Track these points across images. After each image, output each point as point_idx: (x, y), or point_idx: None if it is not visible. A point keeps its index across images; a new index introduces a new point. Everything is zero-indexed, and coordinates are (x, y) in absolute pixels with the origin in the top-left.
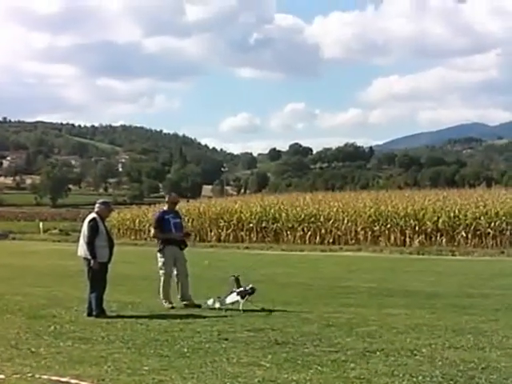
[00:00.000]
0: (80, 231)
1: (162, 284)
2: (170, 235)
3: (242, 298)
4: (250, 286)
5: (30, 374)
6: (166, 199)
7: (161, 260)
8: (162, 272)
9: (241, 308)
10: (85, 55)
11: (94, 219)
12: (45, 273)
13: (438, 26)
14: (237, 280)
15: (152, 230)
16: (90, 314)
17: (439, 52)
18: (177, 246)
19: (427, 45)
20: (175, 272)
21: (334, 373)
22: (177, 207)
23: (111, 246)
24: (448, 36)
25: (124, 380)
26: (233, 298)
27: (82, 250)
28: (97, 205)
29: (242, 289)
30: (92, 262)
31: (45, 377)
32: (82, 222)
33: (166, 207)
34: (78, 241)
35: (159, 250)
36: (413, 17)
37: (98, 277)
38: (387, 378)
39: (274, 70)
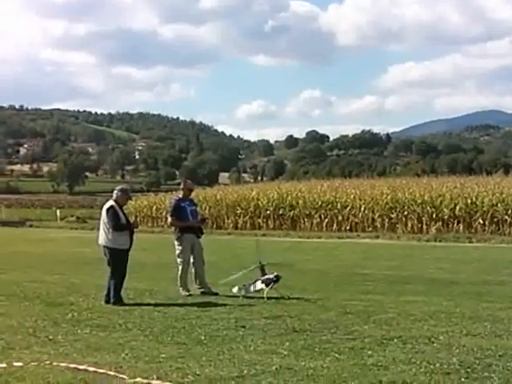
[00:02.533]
0: (98, 219)
1: (179, 272)
2: (188, 223)
3: (267, 285)
4: (275, 273)
5: (48, 362)
6: (182, 186)
7: (178, 248)
8: (179, 260)
9: (265, 296)
10: (101, 43)
11: (111, 207)
12: (62, 260)
13: (453, 13)
14: (262, 268)
15: (169, 218)
16: (107, 302)
17: (454, 39)
18: (194, 233)
19: (442, 31)
20: (192, 260)
21: (352, 360)
22: (192, 194)
23: (131, 232)
24: (463, 23)
25: (141, 367)
26: (258, 285)
27: (101, 238)
28: (115, 192)
29: (266, 277)
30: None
31: (63, 364)
32: (100, 209)
33: (181, 195)
34: (94, 228)
35: (177, 238)
36: (428, 3)
37: (118, 264)
38: (404, 366)
39: (289, 58)
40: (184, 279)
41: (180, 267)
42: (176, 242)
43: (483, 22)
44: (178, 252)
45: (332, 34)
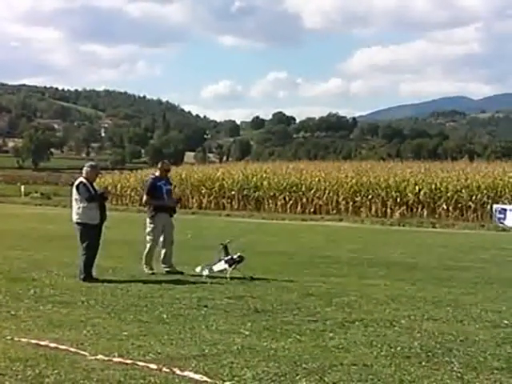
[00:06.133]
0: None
1: (146, 249)
2: (162, 202)
3: (230, 266)
4: (238, 254)
5: (9, 337)
6: (159, 166)
7: (150, 226)
8: (149, 238)
9: (228, 276)
10: (68, 19)
11: (81, 182)
12: (25, 236)
13: None
14: (225, 248)
15: (144, 197)
16: (84, 279)
17: (421, 24)
18: (167, 213)
19: (409, 17)
20: (161, 239)
21: (313, 342)
22: (168, 175)
23: (102, 207)
24: (430, 8)
25: (103, 345)
26: (221, 265)
27: (74, 215)
28: (84, 168)
29: (230, 257)
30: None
31: (24, 340)
32: (71, 186)
33: (157, 173)
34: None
35: (151, 217)
36: None
37: (88, 240)
38: (366, 348)
39: (255, 39)
40: (150, 257)
41: (148, 245)
42: (148, 220)
43: (450, 9)
44: (148, 230)
45: (299, 16)
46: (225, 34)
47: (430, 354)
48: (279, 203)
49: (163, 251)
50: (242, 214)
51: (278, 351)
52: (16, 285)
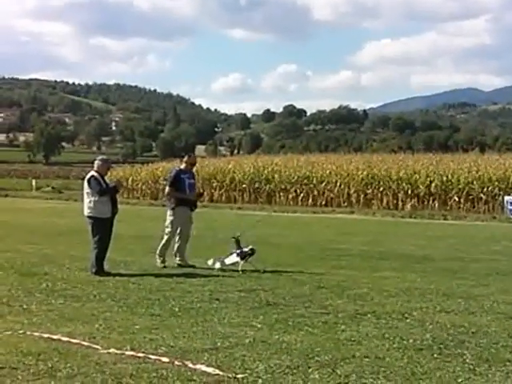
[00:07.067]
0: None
1: (163, 241)
2: (184, 195)
3: (242, 259)
4: (250, 247)
5: (21, 331)
6: (185, 159)
7: (169, 218)
8: (167, 230)
9: (240, 269)
10: (78, 13)
11: (92, 176)
12: (37, 230)
13: None
14: (237, 241)
15: (167, 188)
16: (96, 273)
17: (430, 16)
18: (188, 207)
19: (418, 8)
20: (178, 231)
21: (325, 334)
22: (194, 169)
23: (114, 201)
24: (439, 0)
25: (115, 338)
26: (233, 258)
27: (86, 208)
28: (96, 162)
29: (241, 250)
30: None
31: (36, 334)
32: (82, 180)
33: (182, 166)
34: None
35: (172, 209)
36: None
37: (100, 234)
38: (378, 341)
39: (265, 32)
40: (165, 249)
41: (166, 237)
42: (169, 212)
43: (460, 0)
44: (167, 222)
45: (308, 8)
46: (234, 27)
47: (442, 346)
48: (290, 196)
49: (177, 244)
50: (253, 206)
51: (290, 344)
52: (28, 279)
